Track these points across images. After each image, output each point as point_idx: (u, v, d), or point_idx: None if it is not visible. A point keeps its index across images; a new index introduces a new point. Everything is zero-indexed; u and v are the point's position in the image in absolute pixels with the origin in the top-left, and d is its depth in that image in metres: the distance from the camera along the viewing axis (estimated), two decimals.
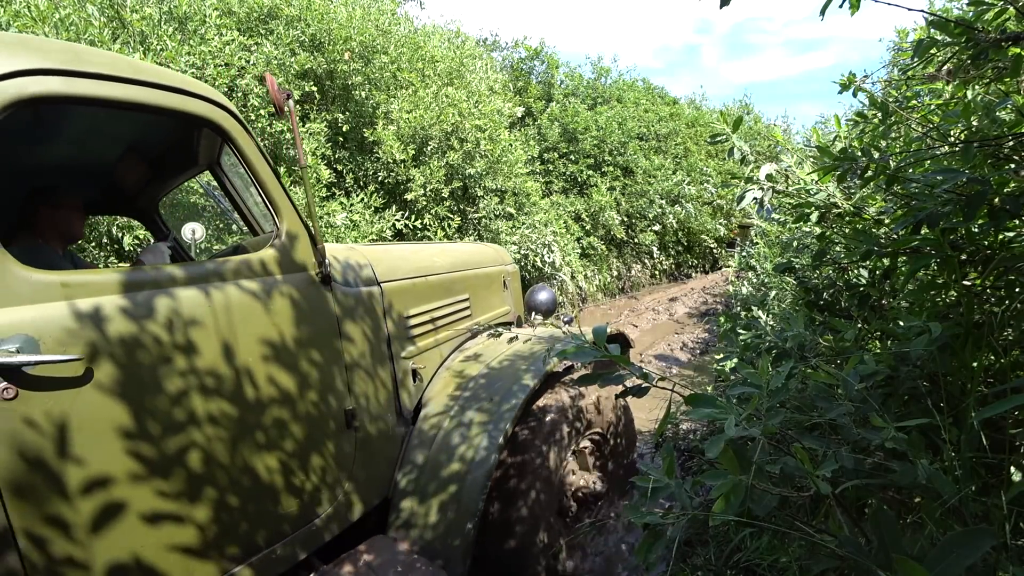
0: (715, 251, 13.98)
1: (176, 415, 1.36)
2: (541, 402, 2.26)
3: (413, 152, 6.47)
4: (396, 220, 6.31)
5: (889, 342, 1.63)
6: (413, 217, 6.54)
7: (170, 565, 1.36)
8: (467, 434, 1.99)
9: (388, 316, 2.11)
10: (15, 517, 1.10)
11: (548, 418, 2.18)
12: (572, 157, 10.50)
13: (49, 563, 1.15)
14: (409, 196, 6.46)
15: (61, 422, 1.18)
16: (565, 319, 4.14)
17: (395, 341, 2.12)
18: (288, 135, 5.38)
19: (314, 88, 5.95)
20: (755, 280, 5.12)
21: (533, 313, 3.63)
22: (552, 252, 8.05)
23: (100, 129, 1.96)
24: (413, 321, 2.24)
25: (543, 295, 3.58)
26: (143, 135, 2.11)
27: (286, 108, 1.67)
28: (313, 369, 1.72)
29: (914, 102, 2.03)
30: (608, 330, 2.58)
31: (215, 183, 2.48)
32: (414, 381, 2.19)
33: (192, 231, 2.63)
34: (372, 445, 1.93)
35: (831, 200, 1.83)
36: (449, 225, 6.81)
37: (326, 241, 3.15)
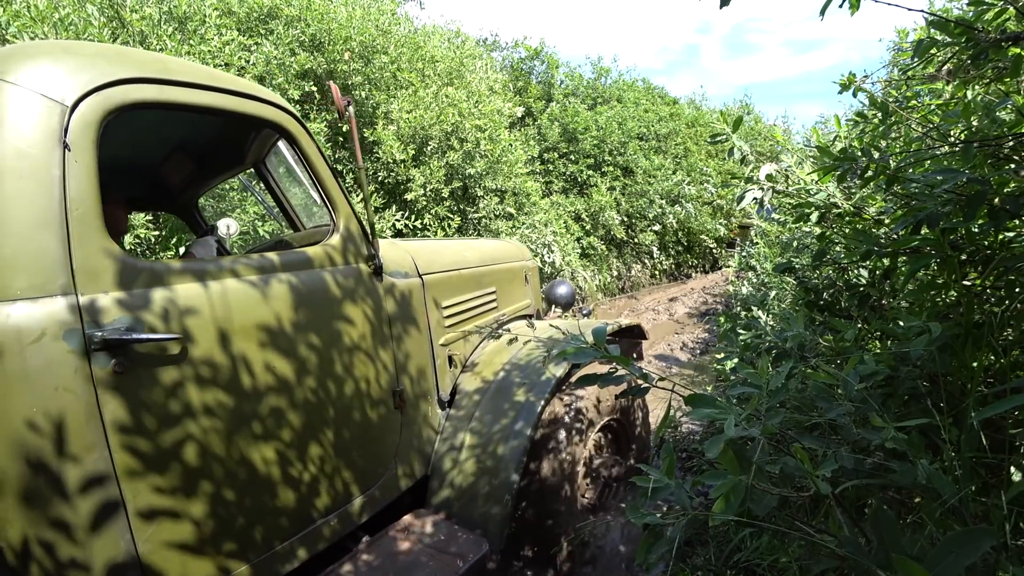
0: (715, 251, 13.99)
1: (256, 388, 1.52)
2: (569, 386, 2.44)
3: (413, 152, 6.47)
4: (396, 220, 6.31)
5: (889, 342, 1.63)
6: (413, 217, 6.54)
7: (254, 521, 1.51)
8: (501, 415, 2.15)
9: (428, 306, 2.27)
10: (121, 472, 1.24)
11: (576, 401, 2.32)
12: (572, 157, 10.50)
13: (150, 510, 1.29)
14: (409, 196, 6.46)
15: (161, 394, 1.32)
16: (584, 312, 4.28)
17: (434, 329, 2.28)
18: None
19: (314, 88, 5.95)
20: (755, 280, 5.12)
21: (553, 306, 3.86)
22: (552, 252, 8.05)
23: (154, 129, 2.11)
24: (448, 311, 2.41)
25: (562, 289, 3.84)
26: (193, 135, 2.25)
27: (347, 114, 1.80)
28: (369, 353, 1.89)
29: (914, 102, 2.03)
30: (625, 321, 2.80)
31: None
32: (450, 367, 2.37)
33: (227, 226, 2.72)
34: (415, 424, 2.11)
35: (831, 200, 1.83)
36: (449, 225, 6.81)
37: None
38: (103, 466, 1.21)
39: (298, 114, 1.76)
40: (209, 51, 4.88)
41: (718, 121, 2.12)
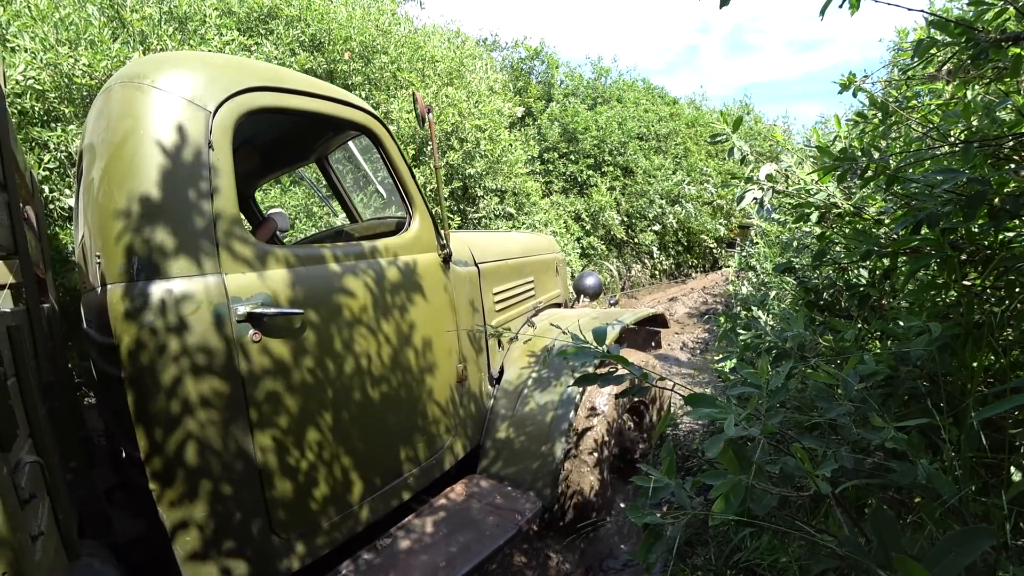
0: (715, 251, 13.98)
1: (354, 358, 1.74)
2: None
3: (413, 152, 6.47)
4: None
5: (889, 342, 1.63)
6: None
7: (352, 469, 1.74)
8: (547, 390, 2.39)
9: (483, 292, 2.53)
10: (253, 420, 1.47)
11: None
12: (572, 157, 10.49)
13: (272, 450, 1.52)
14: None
15: (284, 359, 1.54)
16: (611, 301, 4.63)
17: (488, 313, 2.55)
18: None
19: None
20: (755, 280, 5.12)
21: (581, 296, 4.19)
22: None
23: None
24: (498, 297, 2.69)
25: (590, 280, 4.17)
26: (263, 130, 2.40)
27: (427, 119, 2.05)
28: (440, 331, 2.14)
29: (914, 102, 2.03)
30: (648, 311, 3.09)
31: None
32: (499, 347, 2.64)
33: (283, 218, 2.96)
34: (473, 398, 2.36)
35: (831, 200, 1.83)
36: (449, 225, 6.82)
37: None
38: (241, 415, 1.44)
39: (382, 119, 1.98)
40: (209, 51, 4.88)
41: (718, 121, 2.13)
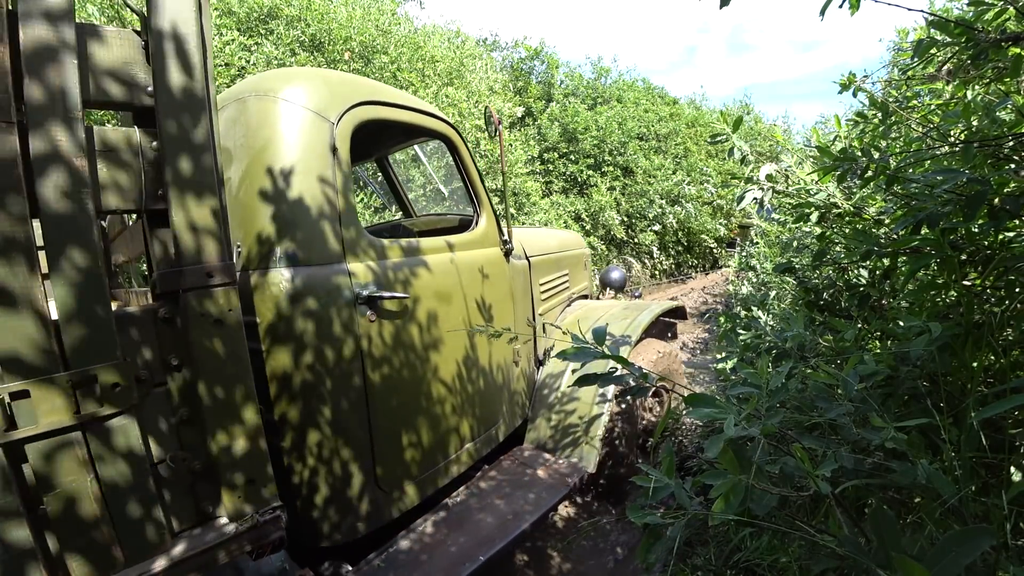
0: (715, 251, 13.97)
1: (441, 337, 2.01)
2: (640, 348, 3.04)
3: (413, 152, 6.47)
4: (394, 219, 6.33)
5: (889, 342, 1.63)
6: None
7: (436, 435, 2.03)
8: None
9: (533, 282, 2.84)
10: (369, 385, 1.73)
11: (647, 359, 2.96)
12: (572, 157, 10.48)
13: (384, 417, 1.80)
14: (410, 195, 6.46)
15: (392, 336, 1.80)
16: (635, 294, 5.14)
17: (536, 301, 2.86)
18: None
19: None
20: (755, 280, 5.11)
21: (607, 288, 4.59)
22: None
23: None
24: (543, 288, 3.01)
25: (615, 274, 4.63)
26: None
27: (498, 130, 2.32)
28: (502, 316, 2.43)
29: (914, 102, 2.03)
30: (671, 304, 3.40)
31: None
32: (543, 332, 2.96)
33: None
34: (524, 376, 2.68)
35: (831, 200, 1.83)
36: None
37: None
38: (358, 384, 1.68)
39: (458, 128, 2.32)
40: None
41: (718, 121, 2.12)
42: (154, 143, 1.17)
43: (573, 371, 2.71)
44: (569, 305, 3.36)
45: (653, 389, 2.82)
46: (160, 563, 1.11)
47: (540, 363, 2.86)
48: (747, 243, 6.82)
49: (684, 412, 3.41)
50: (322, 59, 6.19)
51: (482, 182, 2.37)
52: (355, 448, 1.69)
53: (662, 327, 3.62)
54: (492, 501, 2.21)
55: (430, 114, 2.16)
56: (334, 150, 1.71)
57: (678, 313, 3.56)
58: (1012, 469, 1.11)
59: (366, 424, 1.72)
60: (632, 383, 1.21)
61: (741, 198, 1.98)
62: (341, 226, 1.69)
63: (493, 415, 2.37)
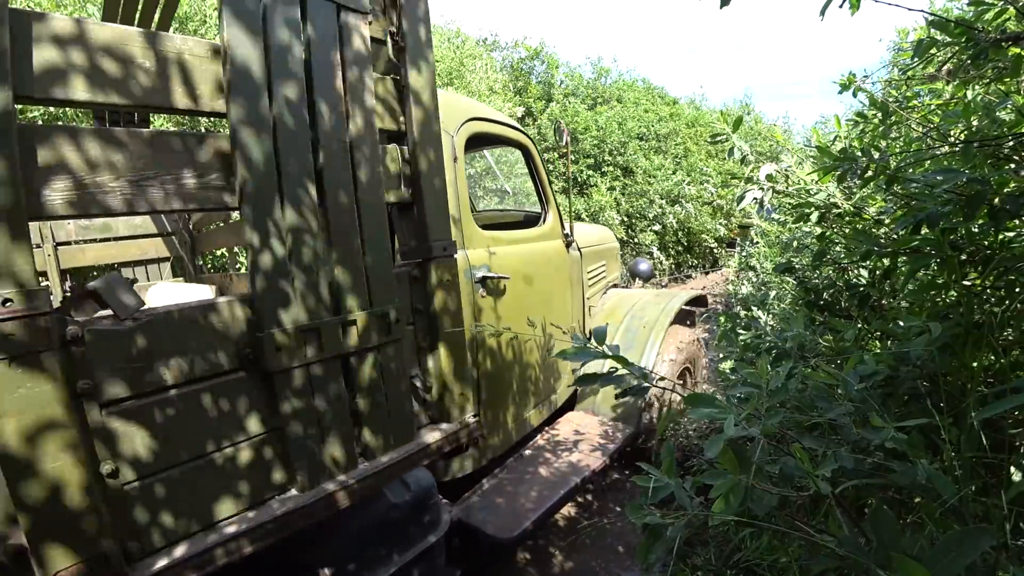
0: (715, 251, 13.96)
1: (528, 309, 2.49)
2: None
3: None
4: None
5: (889, 342, 1.63)
6: None
7: (519, 393, 2.53)
8: (630, 346, 3.23)
9: (583, 270, 3.32)
10: (477, 350, 2.22)
11: (678, 344, 3.43)
12: (572, 157, 10.48)
13: (486, 367, 2.31)
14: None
15: (492, 308, 2.27)
16: (661, 284, 5.94)
17: (584, 287, 3.34)
18: None
19: None
20: (755, 280, 5.11)
21: (636, 278, 5.21)
22: None
23: None
24: (589, 276, 3.50)
25: (644, 266, 5.21)
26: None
27: (567, 141, 2.86)
28: (564, 298, 2.95)
29: (914, 102, 2.03)
30: (694, 293, 3.99)
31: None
32: (589, 315, 3.45)
33: None
34: None
35: (831, 200, 1.83)
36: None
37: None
38: (467, 338, 1.95)
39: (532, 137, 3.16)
40: None
41: (718, 121, 2.13)
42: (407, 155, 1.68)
43: (617, 341, 3.31)
44: (605, 292, 3.83)
45: (681, 370, 3.41)
46: (409, 447, 1.62)
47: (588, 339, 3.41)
48: (747, 243, 6.82)
49: (682, 409, 3.43)
50: None
51: (549, 184, 2.84)
52: (473, 396, 2.02)
53: (683, 315, 3.97)
54: (555, 456, 2.71)
55: (515, 128, 2.62)
56: (455, 159, 2.08)
57: (699, 302, 4.09)
58: (1012, 469, 1.11)
59: (476, 371, 2.15)
60: (633, 382, 1.21)
61: (741, 198, 1.98)
62: (462, 219, 2.12)
63: (556, 381, 2.89)
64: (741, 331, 2.23)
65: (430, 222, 1.69)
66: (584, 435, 2.84)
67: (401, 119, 1.67)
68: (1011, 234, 1.33)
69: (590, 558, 2.64)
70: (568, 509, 3.10)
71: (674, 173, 12.02)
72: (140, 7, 2.20)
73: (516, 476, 2.45)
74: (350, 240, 1.46)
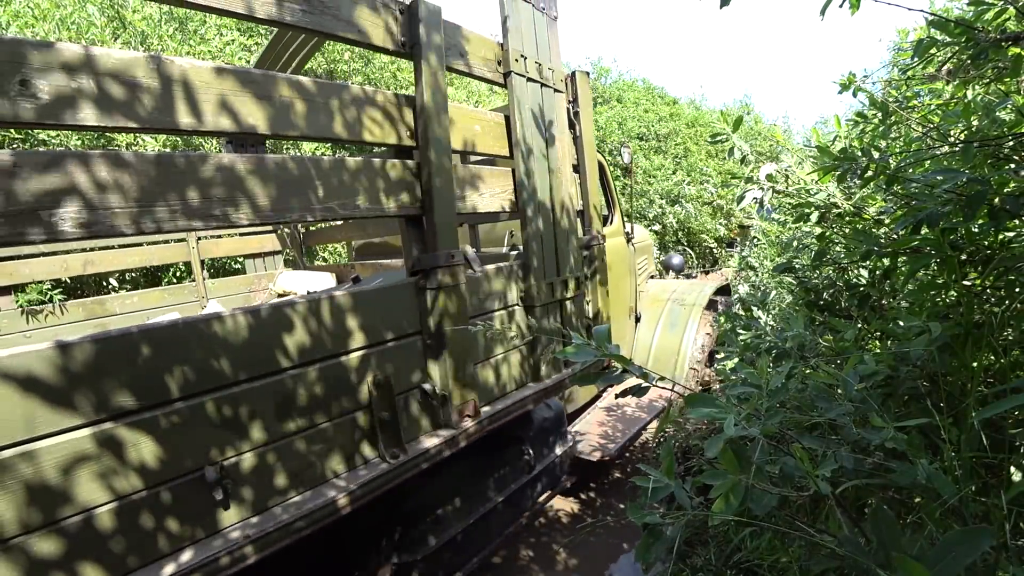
0: (715, 251, 13.95)
1: (608, 289, 2.90)
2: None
3: None
4: None
5: (889, 342, 1.63)
6: None
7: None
8: (673, 327, 3.99)
9: (635, 261, 4.00)
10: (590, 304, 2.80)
11: (707, 324, 4.13)
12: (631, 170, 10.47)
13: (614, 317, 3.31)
14: None
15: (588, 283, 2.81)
16: (692, 276, 6.85)
17: (636, 276, 4.00)
18: None
19: None
20: (755, 280, 5.11)
21: (669, 271, 6.29)
22: None
23: None
24: (639, 265, 4.17)
25: (677, 260, 6.31)
26: None
27: (630, 160, 3.87)
28: (626, 283, 3.69)
29: (914, 102, 2.02)
30: (720, 284, 4.91)
31: None
32: (639, 298, 4.13)
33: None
34: (632, 327, 4.03)
35: (831, 200, 1.83)
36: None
37: None
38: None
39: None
40: (210, 51, 4.88)
41: (718, 121, 2.12)
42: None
43: (661, 324, 4.09)
44: (647, 282, 4.52)
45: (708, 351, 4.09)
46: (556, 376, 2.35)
47: (637, 319, 4.16)
48: (747, 243, 6.82)
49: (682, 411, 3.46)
50: (322, 59, 6.19)
51: (615, 191, 3.53)
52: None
53: (710, 303, 4.64)
54: (614, 413, 3.47)
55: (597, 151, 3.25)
56: (611, 176, 3.08)
57: (724, 291, 4.77)
58: (1012, 469, 1.11)
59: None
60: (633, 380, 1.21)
61: (741, 198, 1.98)
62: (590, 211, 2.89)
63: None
64: (741, 331, 2.23)
65: (590, 216, 2.74)
66: (631, 400, 3.52)
67: (575, 156, 2.65)
68: (1011, 234, 1.33)
69: (592, 555, 2.64)
70: (571, 506, 3.10)
71: (674, 173, 12.02)
72: (287, 55, 2.77)
73: (585, 427, 3.26)
74: (563, 233, 2.39)
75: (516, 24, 2.17)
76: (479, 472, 2.18)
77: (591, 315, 2.66)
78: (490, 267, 2.04)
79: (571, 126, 2.55)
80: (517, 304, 2.18)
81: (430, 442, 1.71)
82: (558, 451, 2.54)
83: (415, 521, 1.90)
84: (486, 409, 1.93)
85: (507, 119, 2.17)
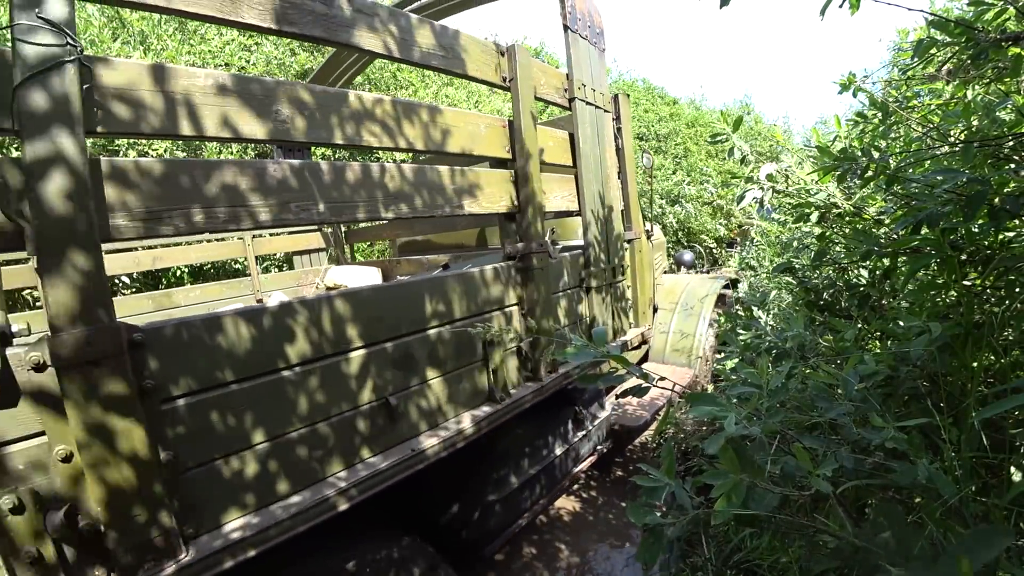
0: (715, 251, 13.95)
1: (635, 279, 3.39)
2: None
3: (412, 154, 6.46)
4: None
5: (889, 342, 1.63)
6: None
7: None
8: (688, 316, 4.30)
9: (654, 256, 4.20)
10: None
11: (718, 312, 4.46)
12: (650, 173, 10.47)
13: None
14: None
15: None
16: (705, 271, 6.98)
17: (654, 270, 4.17)
18: None
19: None
20: (755, 280, 5.12)
21: (681, 266, 6.44)
22: None
23: None
24: (656, 261, 4.31)
25: (688, 256, 6.53)
26: None
27: (651, 167, 4.04)
28: (648, 277, 3.79)
29: (914, 102, 2.03)
30: (729, 277, 5.35)
31: None
32: (655, 292, 4.30)
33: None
34: (651, 314, 4.11)
35: (831, 200, 1.83)
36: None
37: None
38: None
39: None
40: (210, 51, 4.87)
41: (718, 121, 2.13)
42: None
43: (678, 313, 4.37)
44: (661, 276, 4.71)
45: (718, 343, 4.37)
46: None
47: (655, 309, 4.36)
48: (747, 243, 6.84)
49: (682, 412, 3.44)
50: (321, 58, 6.18)
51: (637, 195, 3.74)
52: (626, 314, 3.18)
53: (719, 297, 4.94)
54: (629, 400, 3.64)
55: None
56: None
57: (732, 284, 5.09)
58: (1012, 469, 1.11)
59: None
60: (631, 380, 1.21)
61: (741, 198, 1.98)
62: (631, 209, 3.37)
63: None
64: (741, 331, 2.23)
65: (634, 218, 3.39)
66: (662, 372, 3.75)
67: (619, 164, 3.15)
68: (1011, 234, 1.33)
69: (594, 553, 2.64)
70: (573, 504, 3.11)
71: (674, 173, 12.02)
72: (342, 68, 3.39)
73: (622, 398, 3.41)
74: (612, 229, 2.91)
75: (577, 58, 2.65)
76: (546, 425, 2.57)
77: (630, 298, 3.25)
78: (565, 254, 2.53)
79: (615, 139, 3.11)
80: (579, 285, 2.67)
81: (524, 390, 2.18)
82: (602, 415, 2.95)
83: (502, 463, 2.28)
84: (562, 369, 2.39)
85: (571, 136, 2.67)
